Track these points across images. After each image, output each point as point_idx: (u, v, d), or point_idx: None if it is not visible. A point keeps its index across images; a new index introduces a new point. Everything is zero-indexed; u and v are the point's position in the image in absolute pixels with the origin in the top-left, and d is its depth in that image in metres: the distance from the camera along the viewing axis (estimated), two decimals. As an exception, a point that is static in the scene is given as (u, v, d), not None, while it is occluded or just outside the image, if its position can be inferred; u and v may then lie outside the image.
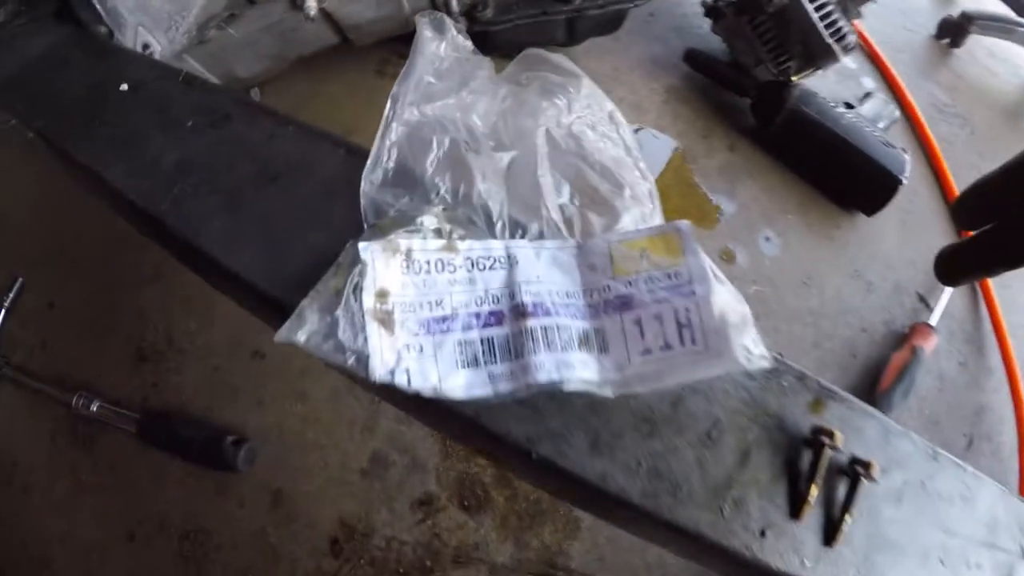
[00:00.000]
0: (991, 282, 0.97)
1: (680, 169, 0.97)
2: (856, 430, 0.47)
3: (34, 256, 0.90)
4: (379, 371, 0.38)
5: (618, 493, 0.41)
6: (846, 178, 0.93)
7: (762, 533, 0.42)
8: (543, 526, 0.75)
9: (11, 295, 0.85)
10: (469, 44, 0.58)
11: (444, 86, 0.53)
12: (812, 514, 0.43)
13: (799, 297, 0.90)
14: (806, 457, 0.44)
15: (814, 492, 0.42)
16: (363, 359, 0.38)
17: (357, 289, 0.39)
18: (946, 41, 1.27)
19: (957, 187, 1.04)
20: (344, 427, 0.78)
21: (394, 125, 0.48)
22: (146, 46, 0.78)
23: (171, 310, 0.84)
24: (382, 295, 0.39)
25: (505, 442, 0.40)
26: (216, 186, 0.51)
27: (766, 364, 0.40)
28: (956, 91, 1.19)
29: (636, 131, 0.98)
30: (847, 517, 0.42)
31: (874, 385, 0.84)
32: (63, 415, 0.80)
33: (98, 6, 0.67)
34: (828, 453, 0.43)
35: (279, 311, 0.42)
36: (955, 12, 1.27)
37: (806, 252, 0.93)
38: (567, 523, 0.75)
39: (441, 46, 0.56)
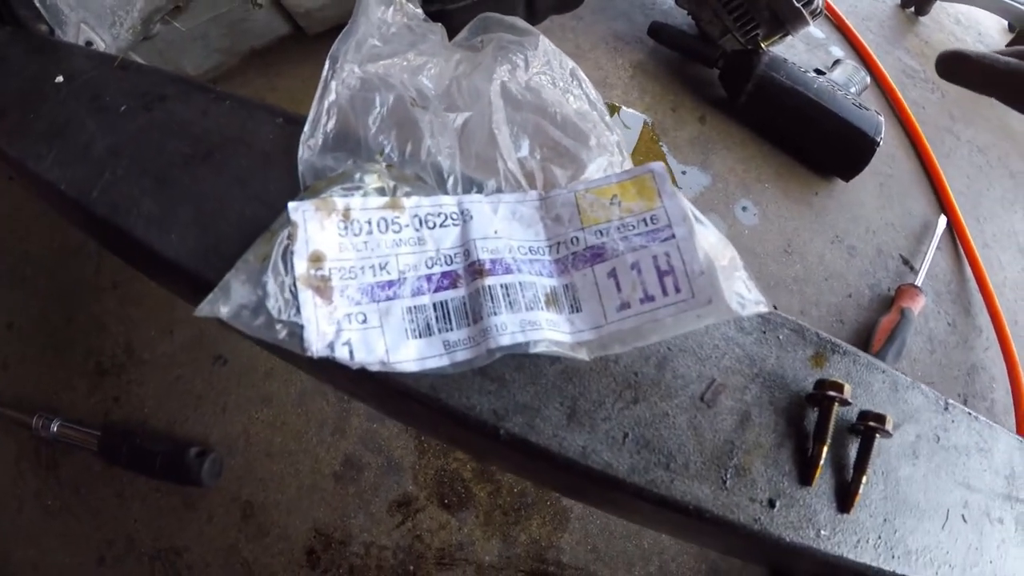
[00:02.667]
0: (973, 242, 0.93)
1: (650, 143, 0.91)
2: (863, 384, 0.43)
3: (-17, 277, 0.83)
4: (315, 345, 0.32)
5: (603, 470, 0.35)
6: (821, 143, 0.88)
7: (771, 503, 0.37)
8: (530, 519, 0.69)
9: (-38, 316, 0.78)
10: (419, 11, 0.53)
11: (390, 48, 0.48)
12: (823, 478, 0.38)
13: (781, 265, 0.84)
14: (811, 416, 0.40)
15: (824, 453, 0.38)
16: (296, 332, 0.32)
17: (287, 253, 0.33)
18: (911, 9, 1.24)
19: (932, 149, 1.00)
20: (313, 430, 0.72)
21: (333, 84, 0.43)
22: (89, 43, 0.72)
23: (130, 319, 0.77)
24: (316, 259, 0.33)
25: (469, 420, 0.35)
26: (147, 168, 0.46)
27: (763, 309, 0.34)
28: (924, 57, 1.16)
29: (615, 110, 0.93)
30: (863, 478, 0.38)
31: (864, 349, 0.78)
32: (26, 438, 0.73)
33: (37, 3, 0.61)
34: (837, 408, 0.38)
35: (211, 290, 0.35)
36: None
37: (785, 220, 0.88)
38: (555, 514, 0.69)
39: (388, 11, 0.50)
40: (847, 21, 1.13)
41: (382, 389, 0.36)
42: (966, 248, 0.93)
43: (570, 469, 0.35)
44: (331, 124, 0.41)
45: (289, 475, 0.70)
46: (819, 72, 0.91)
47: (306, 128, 0.41)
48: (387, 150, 0.40)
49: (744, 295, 0.34)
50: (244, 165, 0.43)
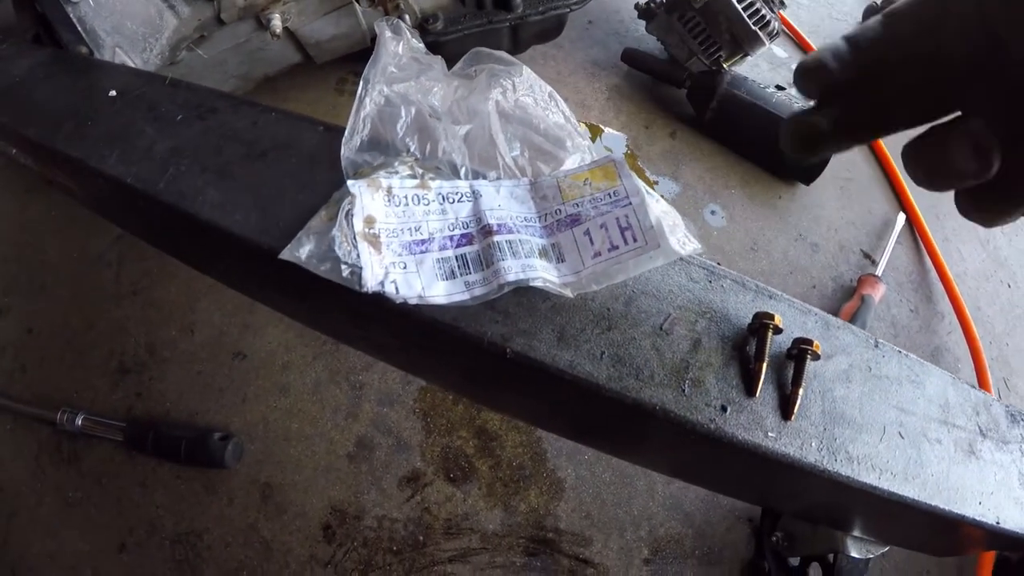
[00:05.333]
0: (932, 236, 1.11)
1: (628, 158, 1.10)
2: (797, 323, 0.56)
3: (5, 285, 0.97)
4: (371, 282, 0.47)
5: (586, 378, 0.50)
6: (780, 151, 1.07)
7: (723, 408, 0.50)
8: (528, 490, 0.82)
9: (-14, 321, 0.92)
10: (422, 45, 0.68)
11: (404, 75, 0.64)
12: (768, 393, 0.50)
13: (748, 261, 1.02)
14: (753, 343, 0.53)
15: (763, 368, 0.50)
16: (357, 271, 0.47)
17: (348, 215, 0.49)
18: (871, 25, 1.46)
19: (891, 155, 1.19)
20: (328, 415, 0.85)
21: (367, 100, 0.58)
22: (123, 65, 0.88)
23: (150, 321, 0.91)
24: (369, 221, 0.49)
25: (483, 343, 0.49)
26: (208, 165, 0.60)
27: (699, 250, 0.50)
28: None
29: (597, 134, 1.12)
30: (799, 391, 0.50)
31: (830, 336, 0.95)
32: (46, 435, 0.85)
33: (79, 27, 0.77)
34: (771, 334, 0.52)
35: (271, 259, 0.50)
36: (879, -1, 1.46)
37: (751, 221, 1.06)
38: (551, 484, 0.83)
39: (399, 45, 0.66)
40: (808, 40, 1.35)
41: (415, 325, 0.51)
42: (925, 241, 1.11)
43: (561, 378, 0.50)
44: (366, 131, 0.56)
45: (306, 457, 0.83)
46: (780, 88, 1.11)
47: (346, 134, 0.56)
48: (412, 149, 0.56)
49: (684, 242, 0.50)
50: (294, 163, 0.59)
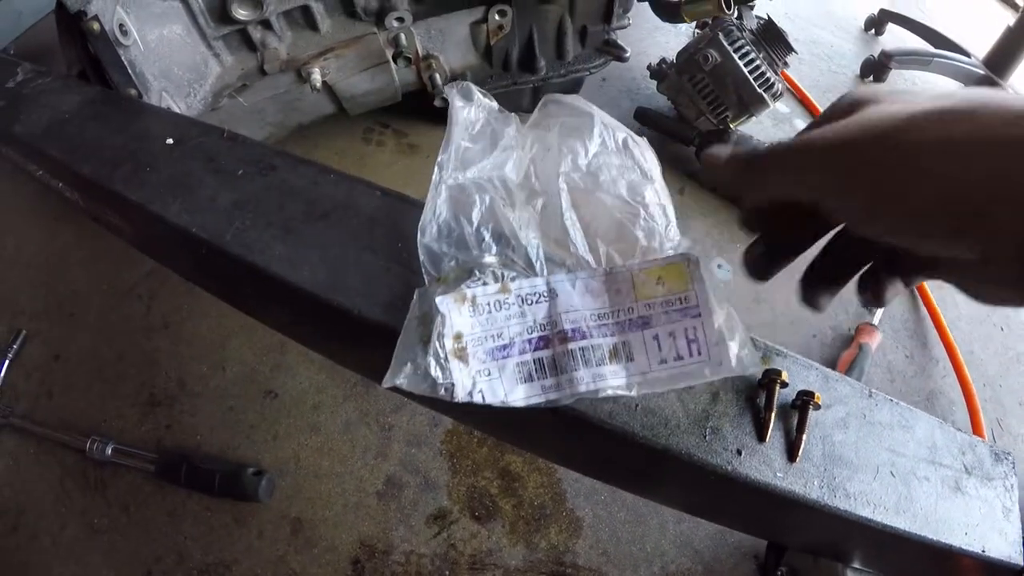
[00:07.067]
0: (927, 285, 1.22)
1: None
2: (800, 377, 0.64)
3: (33, 311, 1.04)
4: (461, 394, 0.52)
5: (623, 427, 0.58)
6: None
7: (738, 452, 0.58)
8: (549, 528, 0.91)
9: (15, 347, 0.98)
10: (495, 104, 0.68)
11: (479, 148, 0.65)
12: (775, 439, 0.59)
13: (753, 313, 1.13)
14: (763, 396, 0.62)
15: (772, 418, 0.59)
16: (449, 388, 0.52)
17: (440, 337, 0.53)
18: (870, 79, 1.60)
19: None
20: (358, 454, 0.93)
21: (442, 188, 0.60)
22: (168, 108, 0.96)
23: (181, 356, 0.98)
24: (458, 337, 0.54)
25: (537, 404, 0.57)
26: (272, 221, 0.67)
27: (758, 371, 0.58)
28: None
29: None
30: (803, 437, 0.58)
31: (830, 383, 1.05)
32: (72, 461, 0.91)
33: (130, 70, 0.83)
34: (778, 387, 0.61)
35: (340, 315, 0.59)
36: (876, 52, 1.61)
37: (757, 273, 1.17)
38: (570, 523, 0.91)
39: (471, 111, 0.66)
40: (809, 95, 1.48)
41: (491, 415, 0.56)
42: (920, 290, 1.22)
43: (601, 427, 0.59)
44: (442, 218, 0.59)
45: (336, 494, 0.90)
46: (782, 145, 1.23)
47: (422, 221, 0.58)
48: (487, 239, 0.59)
49: (745, 360, 0.55)
50: (355, 224, 0.66)
